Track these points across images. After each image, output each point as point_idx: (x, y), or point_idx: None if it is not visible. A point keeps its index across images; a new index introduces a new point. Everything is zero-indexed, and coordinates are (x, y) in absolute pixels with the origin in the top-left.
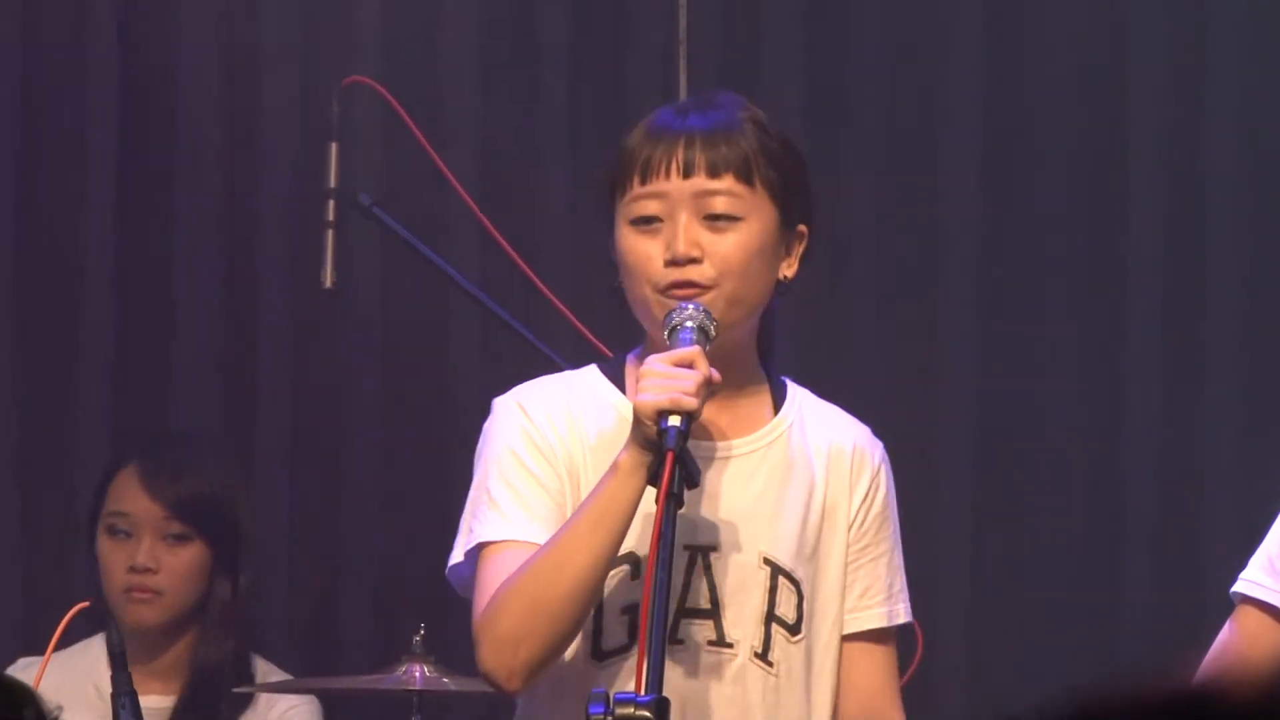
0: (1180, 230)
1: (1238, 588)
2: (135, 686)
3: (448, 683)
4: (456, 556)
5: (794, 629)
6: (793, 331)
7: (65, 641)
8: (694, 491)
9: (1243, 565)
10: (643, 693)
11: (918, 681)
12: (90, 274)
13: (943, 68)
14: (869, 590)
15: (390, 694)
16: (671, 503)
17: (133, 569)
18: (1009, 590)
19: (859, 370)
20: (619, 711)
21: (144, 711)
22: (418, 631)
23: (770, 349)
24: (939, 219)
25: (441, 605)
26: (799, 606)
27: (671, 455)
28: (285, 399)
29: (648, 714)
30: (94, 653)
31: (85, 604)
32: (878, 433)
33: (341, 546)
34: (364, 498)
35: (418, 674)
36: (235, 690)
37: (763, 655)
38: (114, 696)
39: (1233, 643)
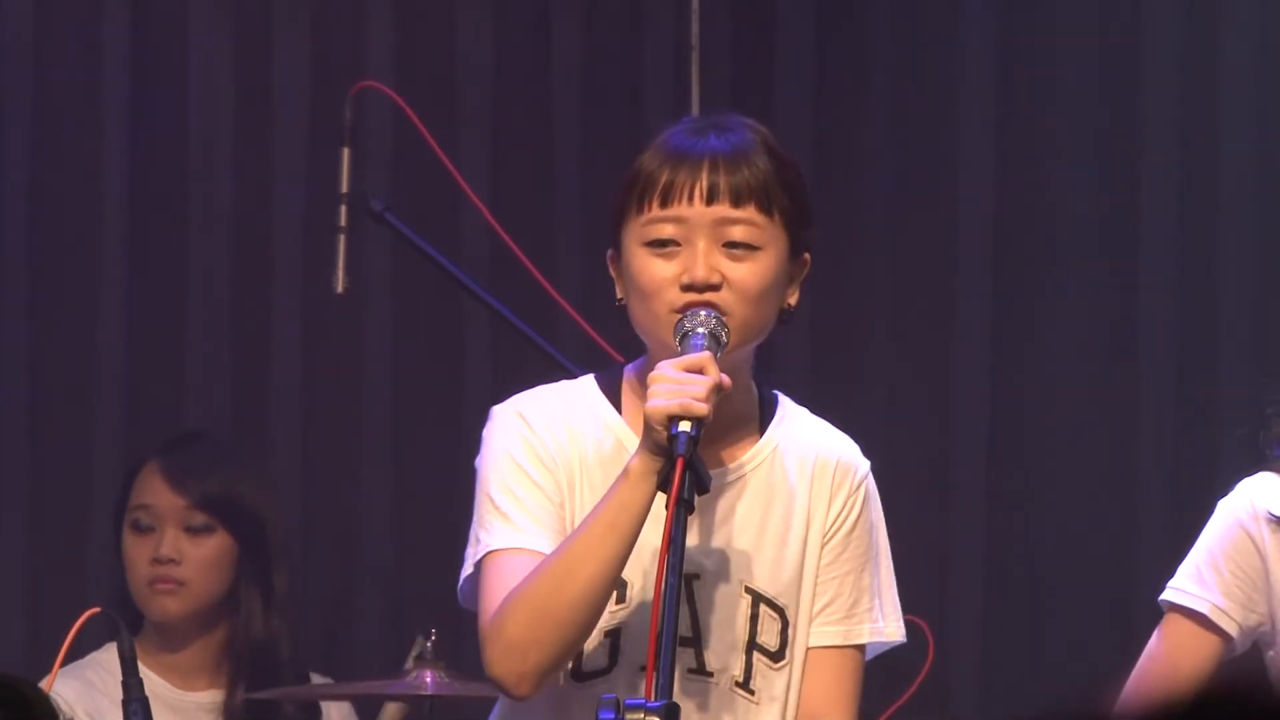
0: (1194, 231)
1: (1166, 596)
2: (184, 685)
3: (459, 688)
4: (467, 569)
5: (776, 656)
6: (809, 334)
7: (80, 648)
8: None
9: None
10: (653, 699)
11: (930, 684)
12: (103, 278)
13: (957, 74)
14: (829, 606)
15: (402, 699)
16: (682, 509)
17: (156, 560)
18: (1022, 592)
19: (874, 371)
20: (629, 717)
21: (201, 707)
22: (429, 636)
23: (763, 371)
24: (954, 225)
25: (453, 610)
26: (782, 633)
27: (682, 461)
28: (297, 404)
29: (657, 719)
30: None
31: (96, 610)
32: (892, 437)
33: (353, 551)
34: (375, 502)
35: (429, 679)
36: (252, 696)
37: (744, 684)
38: (125, 702)
39: (1162, 652)
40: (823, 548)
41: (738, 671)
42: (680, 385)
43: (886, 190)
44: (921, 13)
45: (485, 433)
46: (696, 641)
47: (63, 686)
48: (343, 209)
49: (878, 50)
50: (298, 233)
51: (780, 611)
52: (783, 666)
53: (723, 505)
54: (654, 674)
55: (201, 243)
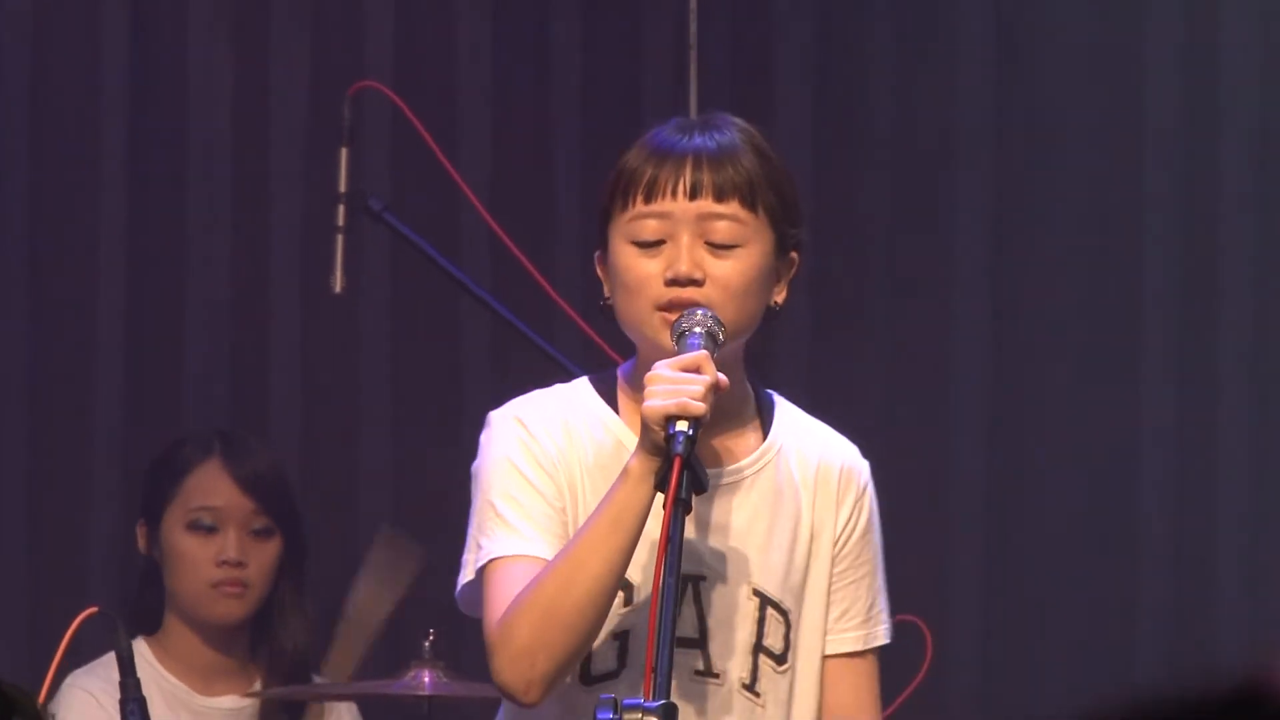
0: (1192, 237)
1: None
2: (205, 690)
3: (457, 688)
4: (467, 575)
5: (781, 659)
6: (808, 332)
7: (81, 647)
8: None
9: (1257, 565)
10: (651, 699)
11: (928, 684)
12: (102, 279)
13: (954, 73)
14: (847, 613)
15: (400, 699)
16: (679, 508)
17: (224, 563)
18: (1021, 592)
19: (871, 371)
20: (627, 716)
21: (222, 713)
22: (427, 636)
23: (756, 371)
24: (953, 224)
25: (451, 610)
26: (786, 636)
27: (679, 461)
28: (295, 404)
29: (655, 719)
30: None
31: (94, 610)
32: (890, 435)
33: (351, 551)
34: (373, 502)
35: (427, 679)
36: (249, 694)
37: (750, 686)
38: (122, 702)
39: None
40: (835, 556)
41: (744, 674)
42: (677, 385)
43: (886, 188)
44: (921, 10)
45: (483, 438)
46: (703, 643)
47: (86, 686)
48: (341, 209)
49: (877, 47)
50: (296, 232)
51: (785, 614)
52: (786, 670)
53: (728, 506)
54: (652, 674)
55: (200, 242)
